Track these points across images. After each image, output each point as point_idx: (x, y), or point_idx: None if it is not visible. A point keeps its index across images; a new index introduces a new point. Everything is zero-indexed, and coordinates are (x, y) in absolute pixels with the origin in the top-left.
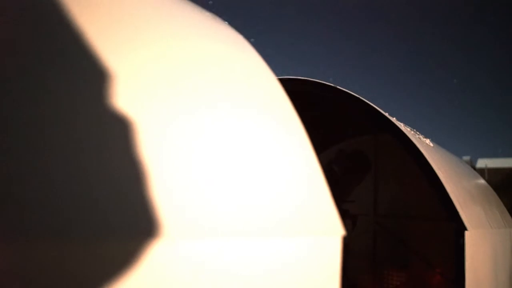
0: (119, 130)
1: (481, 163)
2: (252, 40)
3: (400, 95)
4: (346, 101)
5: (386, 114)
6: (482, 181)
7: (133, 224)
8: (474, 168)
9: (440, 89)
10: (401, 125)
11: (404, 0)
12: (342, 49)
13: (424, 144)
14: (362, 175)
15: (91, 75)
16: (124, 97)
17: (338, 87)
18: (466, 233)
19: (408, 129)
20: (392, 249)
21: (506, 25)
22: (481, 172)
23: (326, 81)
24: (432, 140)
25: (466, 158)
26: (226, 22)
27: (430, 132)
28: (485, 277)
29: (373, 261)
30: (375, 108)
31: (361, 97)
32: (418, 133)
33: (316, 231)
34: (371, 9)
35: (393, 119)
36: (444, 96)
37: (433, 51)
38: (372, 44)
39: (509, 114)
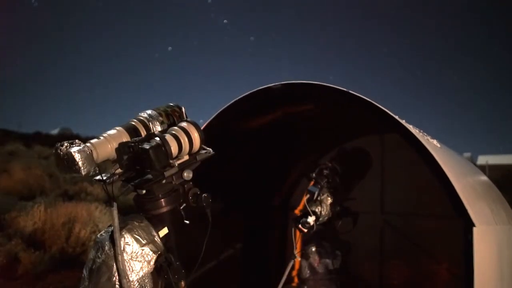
0: None
1: (482, 159)
2: (252, 39)
3: (400, 92)
4: (356, 104)
5: (397, 117)
6: (485, 178)
7: None
8: (475, 165)
9: (441, 86)
10: (410, 127)
11: None
12: (342, 48)
13: (432, 145)
14: (363, 173)
15: None
16: None
17: (350, 91)
18: (474, 229)
19: (417, 131)
20: (399, 246)
21: (508, 23)
22: (482, 168)
23: (326, 80)
24: (434, 137)
25: (467, 154)
26: (226, 21)
27: (431, 129)
28: (492, 273)
29: (380, 258)
30: (386, 111)
31: (372, 101)
32: (425, 134)
33: None
34: (371, 7)
35: (403, 121)
36: (445, 93)
37: (434, 48)
38: (372, 42)
39: (510, 111)
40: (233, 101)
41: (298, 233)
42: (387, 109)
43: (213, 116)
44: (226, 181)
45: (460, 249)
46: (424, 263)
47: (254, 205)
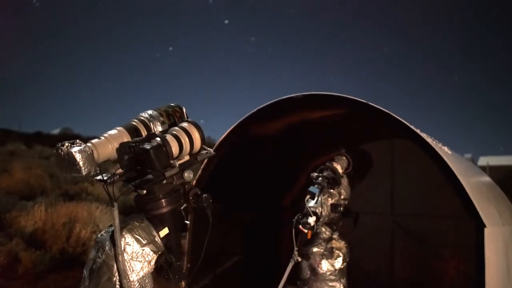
0: None
1: (483, 161)
2: (252, 39)
3: (400, 92)
4: (375, 114)
5: (413, 127)
6: (489, 179)
7: None
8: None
9: (441, 86)
10: (424, 136)
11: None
12: (343, 48)
13: (444, 152)
14: (364, 173)
15: None
16: None
17: (370, 103)
18: (486, 230)
19: (431, 140)
20: (408, 245)
21: (508, 23)
22: (483, 170)
23: (327, 79)
24: (434, 139)
25: (468, 156)
26: (227, 21)
27: (431, 129)
28: (500, 272)
29: (390, 257)
30: (406, 124)
31: (391, 112)
32: (437, 141)
33: None
34: (371, 7)
35: (418, 131)
36: (445, 93)
37: (434, 49)
38: (372, 42)
39: (510, 112)
40: (256, 109)
41: (309, 234)
42: (398, 116)
43: (236, 123)
44: (241, 183)
45: (467, 248)
46: (432, 262)
47: (267, 206)
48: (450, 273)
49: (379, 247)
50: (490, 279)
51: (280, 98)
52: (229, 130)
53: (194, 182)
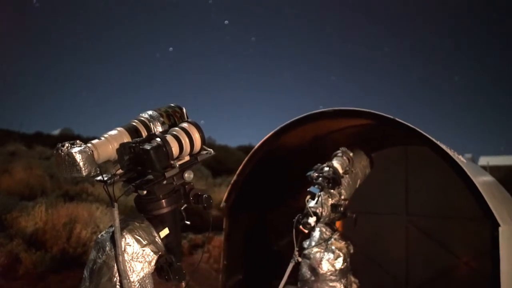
0: None
1: (483, 160)
2: (253, 39)
3: (400, 92)
4: (399, 128)
5: (433, 139)
6: (495, 180)
7: None
8: None
9: (441, 86)
10: (444, 147)
11: None
12: (343, 48)
13: (461, 160)
14: (380, 176)
15: None
16: None
17: (396, 118)
18: (500, 229)
19: (449, 150)
20: (422, 243)
21: (508, 23)
22: (483, 169)
23: (328, 79)
24: (437, 139)
25: (468, 155)
26: (227, 21)
27: (432, 130)
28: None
29: (406, 255)
30: (430, 138)
31: (416, 128)
32: (453, 150)
33: None
34: (371, 7)
35: (438, 142)
36: (445, 93)
37: (435, 49)
38: (372, 42)
39: (510, 112)
40: (290, 121)
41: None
42: (415, 126)
43: (270, 134)
44: (271, 186)
45: (478, 246)
46: (445, 260)
47: (292, 207)
48: (462, 270)
49: (395, 246)
50: (504, 275)
51: (313, 112)
52: (263, 140)
53: (230, 186)
